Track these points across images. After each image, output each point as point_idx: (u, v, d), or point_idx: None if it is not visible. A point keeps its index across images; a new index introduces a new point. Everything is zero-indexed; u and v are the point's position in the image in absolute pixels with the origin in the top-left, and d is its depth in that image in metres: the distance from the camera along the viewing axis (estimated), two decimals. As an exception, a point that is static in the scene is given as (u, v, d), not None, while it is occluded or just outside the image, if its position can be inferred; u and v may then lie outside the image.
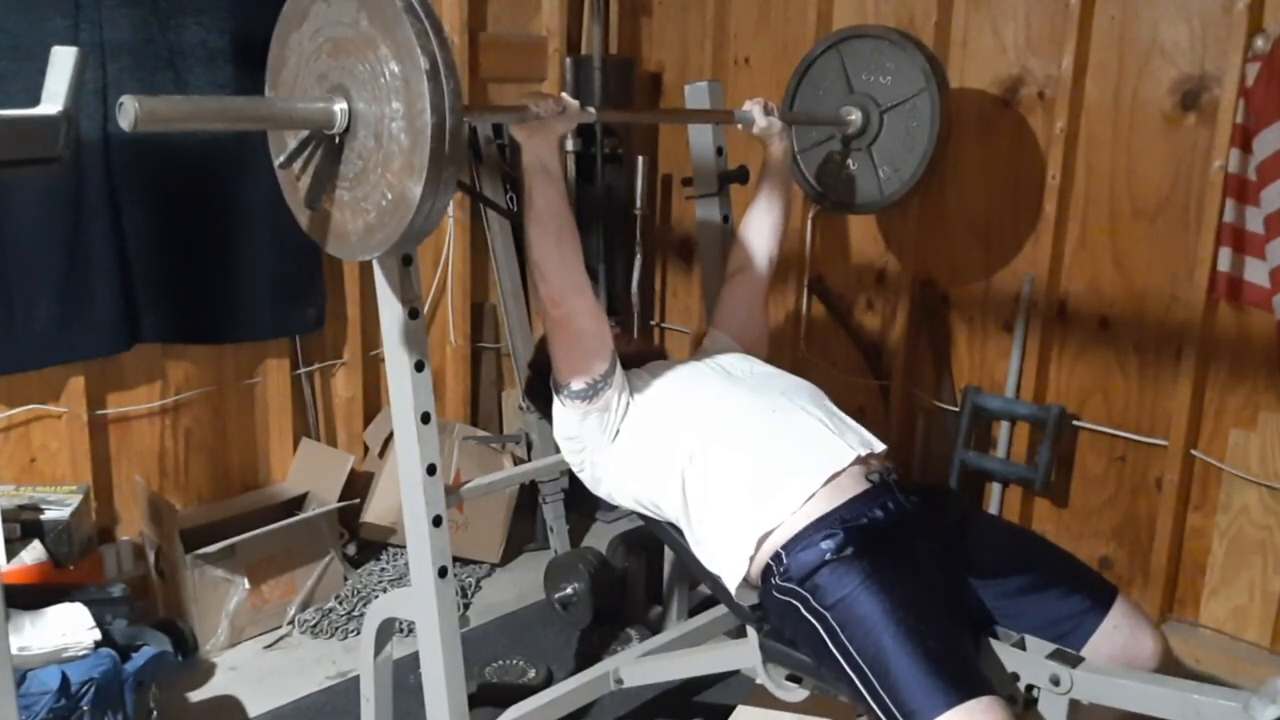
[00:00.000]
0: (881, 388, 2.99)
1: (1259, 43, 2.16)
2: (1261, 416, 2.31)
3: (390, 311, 1.64)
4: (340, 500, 2.89)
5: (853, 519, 1.58)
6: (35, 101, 1.30)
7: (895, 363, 2.92)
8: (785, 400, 1.78)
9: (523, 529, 3.20)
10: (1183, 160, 2.34)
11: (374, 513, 3.03)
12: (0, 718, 1.41)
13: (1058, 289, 2.59)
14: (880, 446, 1.73)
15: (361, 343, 3.11)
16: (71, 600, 2.24)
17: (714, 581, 1.74)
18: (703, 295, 2.49)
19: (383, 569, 2.98)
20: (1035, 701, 1.53)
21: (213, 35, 2.60)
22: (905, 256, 2.85)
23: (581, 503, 3.20)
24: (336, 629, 2.71)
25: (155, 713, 2.19)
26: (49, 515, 2.39)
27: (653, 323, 3.62)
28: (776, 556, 1.59)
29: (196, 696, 2.43)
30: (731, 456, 1.70)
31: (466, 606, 2.88)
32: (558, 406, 1.83)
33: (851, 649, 1.46)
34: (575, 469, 1.92)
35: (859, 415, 1.82)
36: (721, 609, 2.26)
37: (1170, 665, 1.62)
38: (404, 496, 1.73)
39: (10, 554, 2.28)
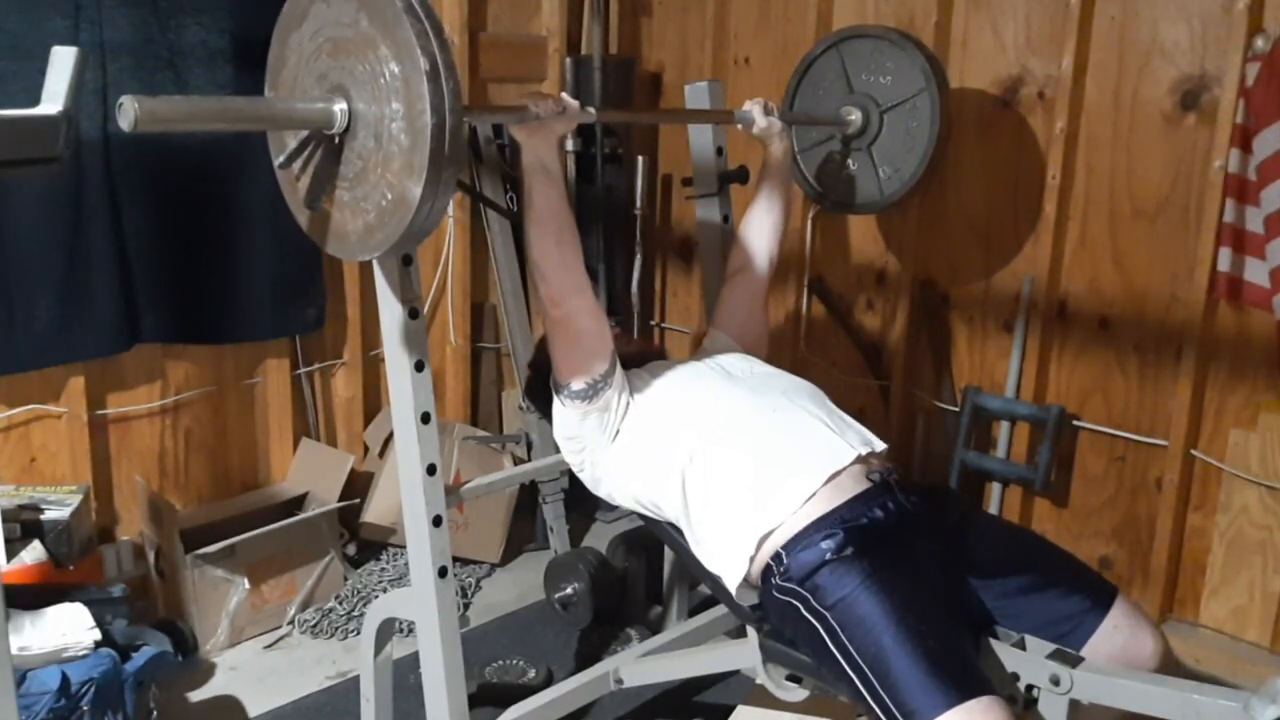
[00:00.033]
0: (881, 388, 2.99)
1: (1259, 43, 2.16)
2: (1261, 416, 2.31)
3: (390, 311, 1.64)
4: (340, 500, 2.89)
5: (853, 519, 1.58)
6: (35, 101, 1.30)
7: (895, 363, 2.92)
8: (785, 400, 1.78)
9: (523, 529, 3.20)
10: (1183, 160, 2.34)
11: (374, 513, 3.03)
12: (0, 717, 1.41)
13: (1058, 289, 2.59)
14: (881, 445, 1.73)
15: (361, 343, 3.11)
16: (71, 600, 2.24)
17: (714, 581, 1.74)
18: (703, 295, 2.49)
19: (383, 569, 2.98)
20: (1035, 701, 1.53)
21: (213, 35, 2.60)
22: (905, 256, 2.85)
23: (581, 503, 3.20)
24: (336, 629, 2.71)
25: (155, 713, 2.19)
26: (49, 515, 2.39)
27: (653, 323, 3.62)
28: (777, 556, 1.59)
29: (196, 696, 2.43)
30: (731, 456, 1.70)
31: (466, 606, 2.88)
32: (558, 406, 1.83)
33: (851, 649, 1.46)
34: (575, 469, 1.92)
35: (859, 415, 1.82)
36: (721, 609, 2.26)
37: (1170, 665, 1.62)
38: (404, 496, 1.73)
39: (10, 554, 2.28)
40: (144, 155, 2.54)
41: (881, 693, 1.41)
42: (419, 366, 1.66)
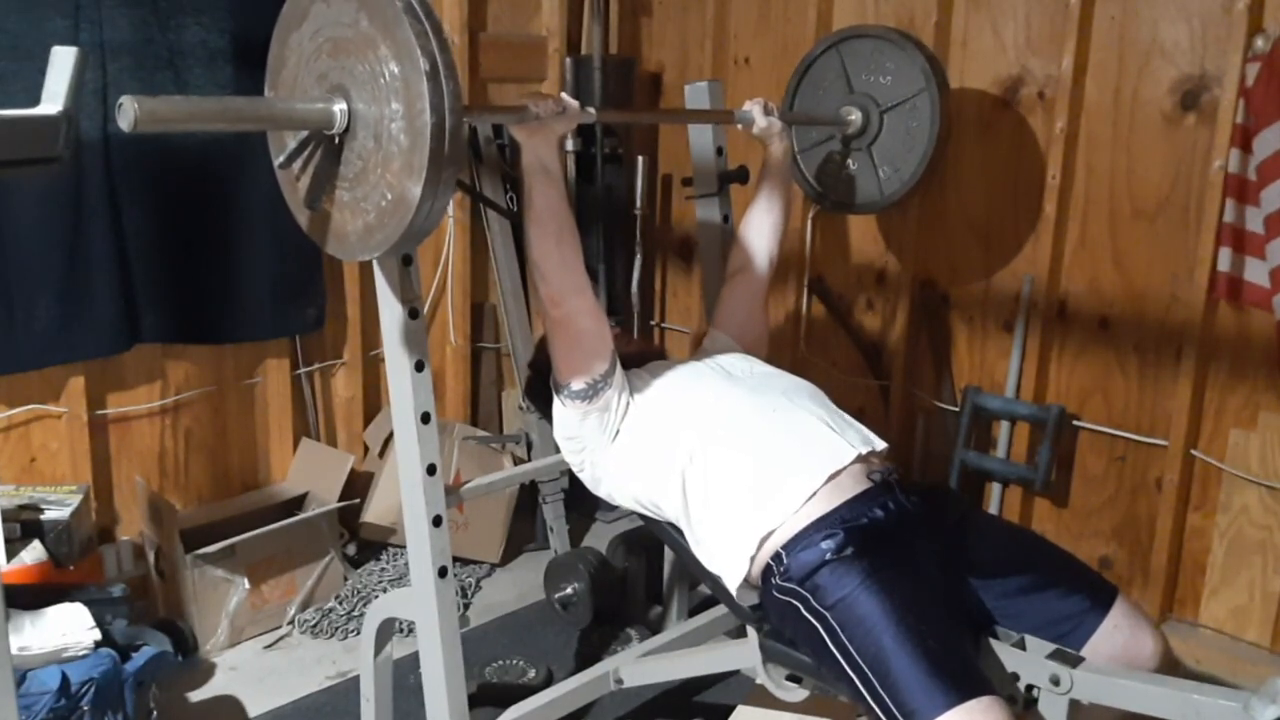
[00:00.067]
0: (881, 388, 2.99)
1: (1259, 43, 2.16)
2: (1261, 416, 2.31)
3: (390, 311, 1.64)
4: (340, 500, 2.89)
5: (853, 519, 1.58)
6: (35, 101, 1.30)
7: (895, 363, 2.92)
8: (785, 400, 1.78)
9: (523, 529, 3.20)
10: (1183, 160, 2.34)
11: (374, 513, 3.03)
12: (0, 717, 1.41)
13: (1058, 289, 2.59)
14: (881, 444, 1.73)
15: (361, 343, 3.11)
16: (71, 600, 2.24)
17: (714, 581, 1.74)
18: (703, 295, 2.49)
19: (383, 569, 2.98)
20: (1035, 701, 1.53)
21: (213, 35, 2.60)
22: (905, 256, 2.85)
23: (581, 503, 3.20)
24: (336, 629, 2.71)
25: (155, 713, 2.19)
26: (49, 515, 2.39)
27: (653, 323, 3.62)
28: (777, 556, 1.59)
29: (196, 696, 2.43)
30: (732, 456, 1.70)
31: (466, 606, 2.88)
32: (558, 406, 1.83)
33: (851, 649, 1.46)
34: (575, 469, 1.91)
35: (859, 415, 1.82)
36: (721, 609, 2.26)
37: (1170, 665, 1.62)
38: (404, 496, 1.73)
39: (10, 554, 2.28)
40: (144, 155, 2.54)
41: (881, 693, 1.41)
42: (419, 366, 1.66)
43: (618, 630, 2.68)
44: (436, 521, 1.71)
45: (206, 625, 2.59)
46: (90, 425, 2.63)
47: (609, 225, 3.27)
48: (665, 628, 2.56)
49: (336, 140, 1.40)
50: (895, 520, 1.61)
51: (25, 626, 2.13)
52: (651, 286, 3.59)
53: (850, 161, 2.42)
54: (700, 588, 2.58)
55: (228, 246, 2.76)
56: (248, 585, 2.63)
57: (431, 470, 1.70)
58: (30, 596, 2.22)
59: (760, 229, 2.17)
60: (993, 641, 1.58)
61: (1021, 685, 1.54)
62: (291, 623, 2.73)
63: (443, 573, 1.72)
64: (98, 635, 2.18)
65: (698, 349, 2.13)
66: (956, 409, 2.77)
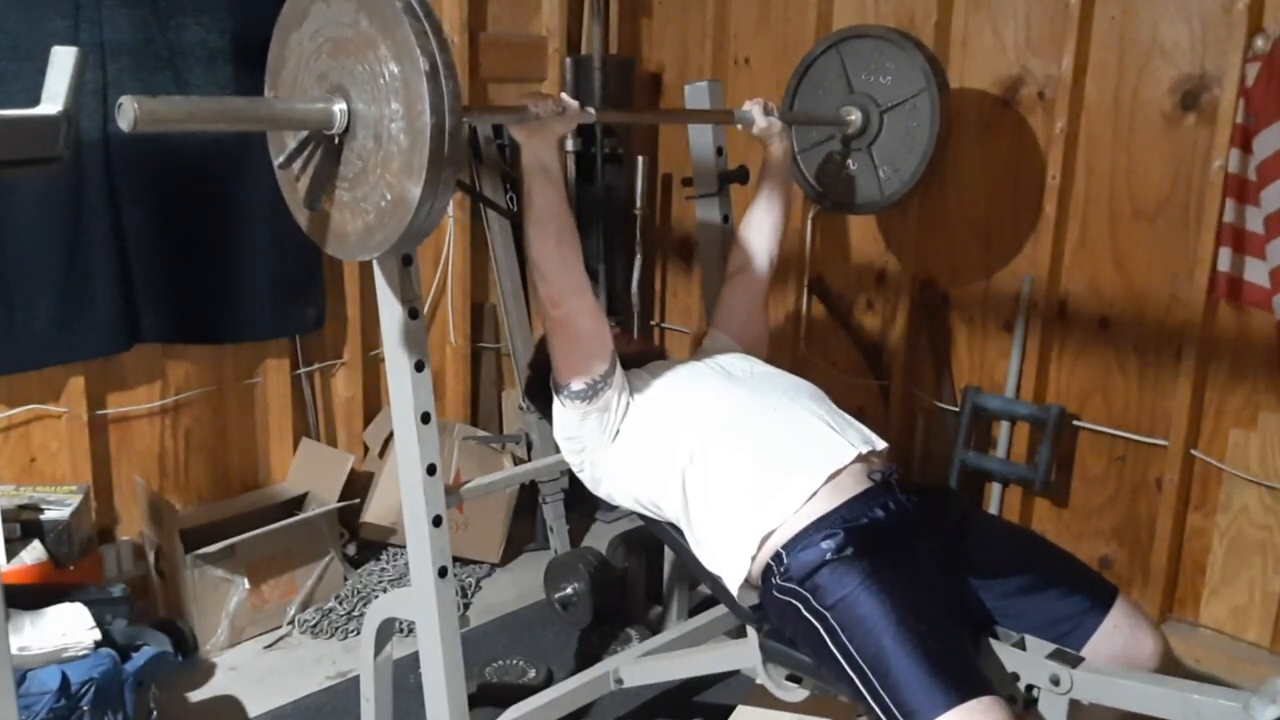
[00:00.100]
0: (881, 388, 2.99)
1: (1259, 43, 2.16)
2: (1261, 416, 2.31)
3: (390, 311, 1.64)
4: (340, 500, 2.89)
5: (853, 519, 1.58)
6: (35, 101, 1.30)
7: (895, 363, 2.92)
8: (786, 400, 1.78)
9: (523, 529, 3.20)
10: (1183, 160, 2.34)
11: (374, 513, 3.03)
12: (0, 717, 1.41)
13: (1058, 289, 2.59)
14: (882, 444, 1.73)
15: (361, 343, 3.11)
16: (71, 600, 2.24)
17: (714, 581, 1.74)
18: (703, 295, 2.49)
19: (383, 569, 2.98)
20: (1035, 701, 1.53)
21: (213, 35, 2.60)
22: (905, 256, 2.85)
23: (581, 503, 3.20)
24: (336, 629, 2.71)
25: (155, 713, 2.19)
26: (49, 515, 2.39)
27: (653, 323, 3.62)
28: (777, 556, 1.59)
29: (196, 696, 2.43)
30: (732, 456, 1.70)
31: (466, 606, 2.88)
32: (558, 407, 1.83)
33: (852, 649, 1.46)
34: (575, 469, 1.91)
35: (859, 415, 1.82)
36: (721, 609, 2.26)
37: (1170, 665, 1.62)
38: (404, 496, 1.73)
39: (10, 554, 2.28)
40: (144, 155, 2.54)
41: (881, 693, 1.41)
42: (419, 366, 1.66)
43: (618, 630, 2.68)
44: (436, 521, 1.71)
45: (206, 625, 2.59)
46: (90, 425, 2.63)
47: (609, 225, 3.27)
48: (665, 628, 2.56)
49: (336, 140, 1.40)
50: (895, 520, 1.61)
51: (25, 626, 2.13)
52: (651, 286, 3.59)
53: (850, 161, 2.42)
54: (700, 588, 2.58)
55: (228, 246, 2.76)
56: (248, 585, 2.63)
57: (431, 470, 1.70)
58: (30, 596, 2.22)
59: (760, 229, 2.17)
60: (993, 641, 1.58)
61: (1021, 685, 1.54)
62: (291, 623, 2.73)
63: (443, 573, 1.72)
64: (98, 635, 2.18)
65: (698, 349, 2.13)
66: (956, 409, 2.77)
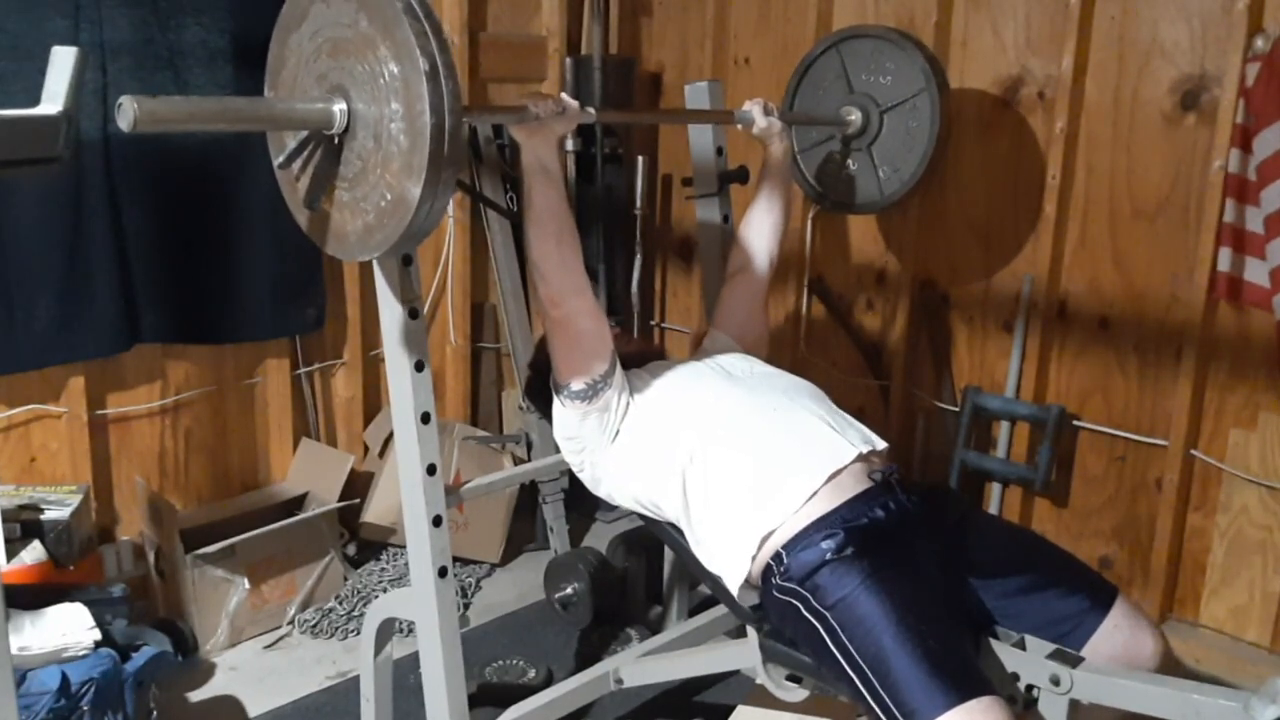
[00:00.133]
0: (881, 388, 2.99)
1: (1259, 43, 2.16)
2: (1261, 416, 2.31)
3: (390, 311, 1.64)
4: (340, 500, 2.89)
5: (853, 519, 1.58)
6: (35, 101, 1.30)
7: (895, 363, 2.92)
8: (786, 399, 1.78)
9: (523, 529, 3.20)
10: (1183, 160, 2.34)
11: (374, 513, 3.03)
12: (0, 717, 1.41)
13: (1058, 289, 2.59)
14: (882, 444, 1.73)
15: (361, 343, 3.11)
16: (71, 600, 2.24)
17: (714, 581, 1.74)
18: (703, 295, 2.49)
19: (383, 569, 2.98)
20: (1035, 701, 1.53)
21: (213, 35, 2.60)
22: (905, 256, 2.85)
23: (581, 503, 3.20)
24: (336, 629, 2.71)
25: (155, 713, 2.19)
26: (49, 515, 2.39)
27: (653, 323, 3.62)
28: (777, 556, 1.59)
29: (196, 696, 2.43)
30: (732, 456, 1.70)
31: (466, 606, 2.88)
32: (558, 407, 1.83)
33: (852, 649, 1.46)
34: (575, 469, 1.91)
35: (859, 415, 1.82)
36: (721, 609, 2.26)
37: (1170, 665, 1.62)
38: (404, 496, 1.73)
39: (10, 554, 2.28)
40: (144, 155, 2.54)
41: (882, 693, 1.41)
42: (419, 366, 1.66)
43: (618, 630, 2.68)
44: (436, 521, 1.71)
45: (206, 625, 2.59)
46: (90, 425, 2.63)
47: (609, 225, 3.27)
48: (665, 628, 2.56)
49: (336, 140, 1.40)
50: (896, 520, 1.61)
51: (25, 626, 2.13)
52: (651, 286, 3.59)
53: (850, 161, 2.42)
54: (700, 588, 2.58)
55: (228, 246, 2.76)
56: (248, 585, 2.63)
57: (431, 470, 1.70)
58: (30, 596, 2.22)
59: (760, 229, 2.17)
60: (993, 641, 1.58)
61: (1021, 685, 1.54)
62: (291, 623, 2.73)
63: (443, 573, 1.72)
64: (98, 635, 2.18)
65: (698, 349, 2.13)
66: (956, 409, 2.77)
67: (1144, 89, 2.38)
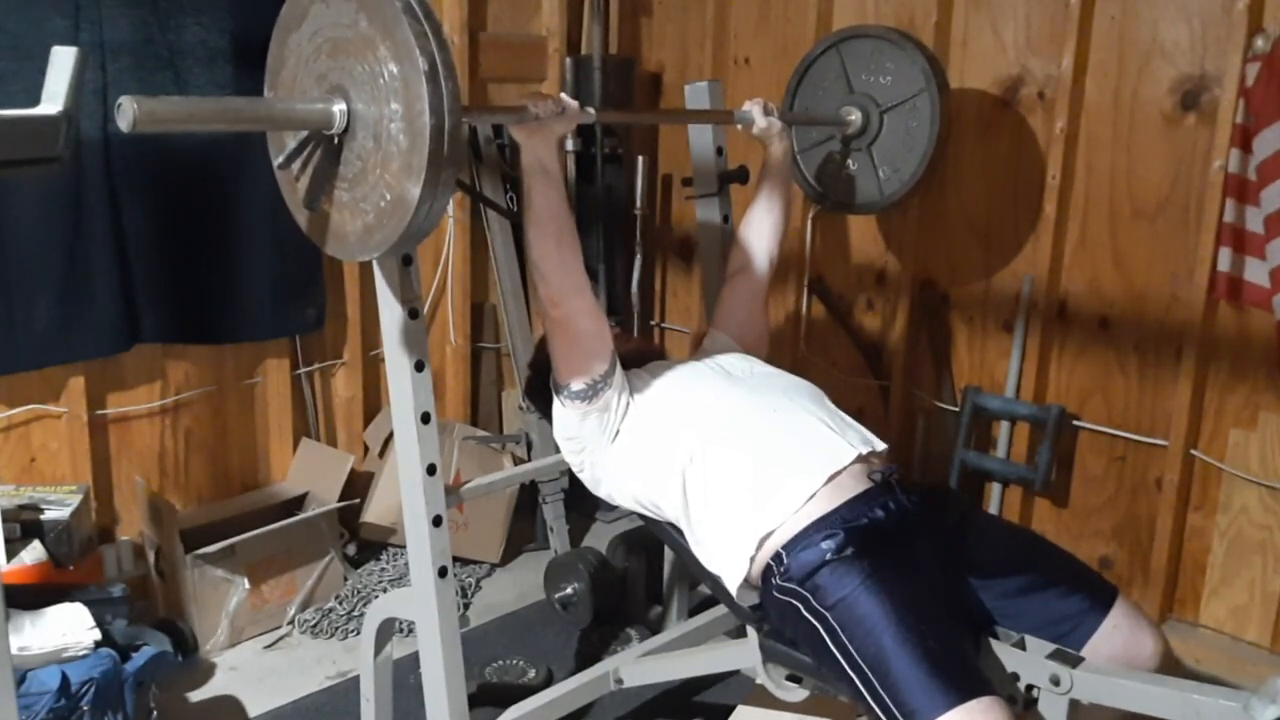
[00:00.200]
0: (881, 388, 2.99)
1: (1259, 43, 2.16)
2: (1261, 416, 2.31)
3: (390, 311, 1.64)
4: (340, 500, 2.89)
5: (853, 519, 1.58)
6: (35, 101, 1.30)
7: (895, 363, 2.92)
8: (786, 400, 1.78)
9: (523, 529, 3.20)
10: (1183, 160, 2.34)
11: (374, 513, 3.03)
12: (0, 717, 1.41)
13: (1058, 289, 2.59)
14: (881, 445, 1.73)
15: (361, 343, 3.11)
16: (71, 600, 2.24)
17: (714, 581, 1.74)
18: (703, 295, 2.49)
19: (383, 569, 2.98)
20: (1035, 701, 1.53)
21: (213, 35, 2.60)
22: (905, 256, 2.85)
23: (581, 503, 3.20)
24: (336, 629, 2.71)
25: (155, 713, 2.19)
26: (49, 515, 2.39)
27: (653, 323, 3.62)
28: (777, 556, 1.59)
29: (196, 696, 2.43)
30: (732, 456, 1.70)
31: (466, 606, 2.88)
32: (558, 407, 1.83)
33: (852, 649, 1.46)
34: (575, 469, 1.91)
35: (859, 415, 1.82)
36: (721, 609, 2.26)
37: (1170, 665, 1.62)
38: (404, 496, 1.73)
39: (10, 554, 2.28)
40: (144, 155, 2.54)
41: (882, 693, 1.41)
42: (419, 366, 1.66)
43: (618, 630, 2.68)
44: (436, 521, 1.71)
45: (206, 625, 2.59)
46: (90, 425, 2.63)
47: (609, 225, 3.27)
48: (665, 628, 2.56)
49: (336, 140, 1.40)
50: (895, 520, 1.61)
51: (25, 626, 2.13)
52: (651, 286, 3.59)
53: (850, 161, 2.42)
54: (700, 588, 2.58)
55: (228, 246, 2.76)
56: (248, 585, 2.63)
57: (431, 470, 1.70)
58: (30, 596, 2.22)
59: (760, 229, 2.17)
60: (993, 641, 1.58)
61: (1021, 685, 1.54)
62: (291, 623, 2.73)
63: (443, 573, 1.72)
64: (98, 635, 2.18)
65: (698, 349, 2.13)
66: (956, 409, 2.77)
67: (1144, 89, 2.38)
